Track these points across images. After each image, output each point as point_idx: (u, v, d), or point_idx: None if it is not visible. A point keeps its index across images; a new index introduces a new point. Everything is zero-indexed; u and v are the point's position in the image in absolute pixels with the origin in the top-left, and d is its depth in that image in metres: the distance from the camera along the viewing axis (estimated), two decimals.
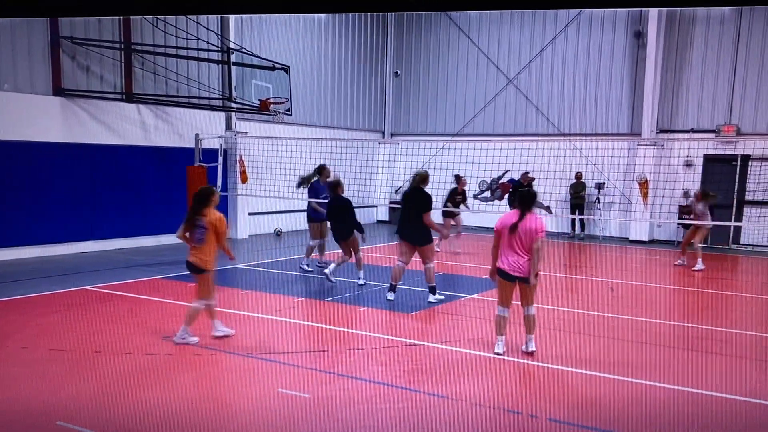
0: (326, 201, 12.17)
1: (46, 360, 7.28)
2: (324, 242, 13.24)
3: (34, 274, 12.25)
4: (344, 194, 11.67)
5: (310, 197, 13.12)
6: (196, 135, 14.81)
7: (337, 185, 11.51)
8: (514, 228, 7.52)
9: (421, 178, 10.46)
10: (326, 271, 11.46)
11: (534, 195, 7.84)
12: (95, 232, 15.12)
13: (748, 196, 18.53)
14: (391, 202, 23.06)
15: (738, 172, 18.65)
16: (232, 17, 17.21)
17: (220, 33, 16.90)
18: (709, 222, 14.55)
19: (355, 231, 11.45)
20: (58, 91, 14.18)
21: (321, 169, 13.18)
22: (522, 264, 7.53)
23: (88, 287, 11.07)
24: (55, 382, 6.63)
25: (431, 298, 10.49)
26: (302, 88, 20.43)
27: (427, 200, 10.31)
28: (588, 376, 7.19)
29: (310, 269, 13.07)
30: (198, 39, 15.88)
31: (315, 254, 13.36)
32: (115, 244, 15.36)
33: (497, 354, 7.72)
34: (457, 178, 16.15)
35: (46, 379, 6.74)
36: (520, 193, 7.83)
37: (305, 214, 13.48)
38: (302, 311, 10.02)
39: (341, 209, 11.42)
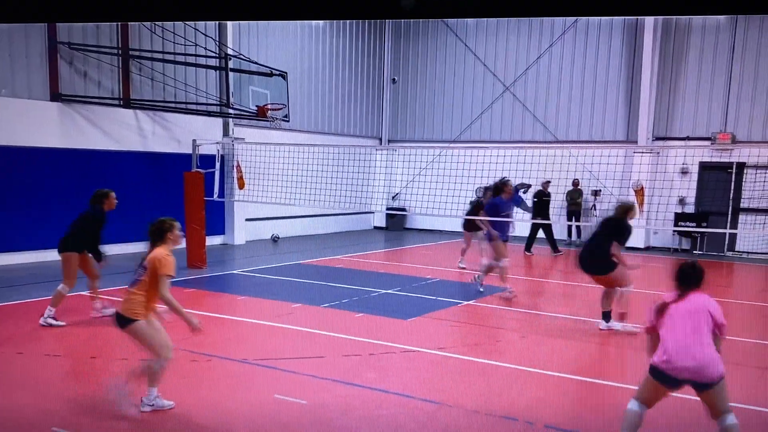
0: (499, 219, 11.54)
1: (41, 366, 7.27)
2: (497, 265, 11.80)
3: (29, 279, 12.23)
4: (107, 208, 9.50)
5: (489, 214, 11.80)
6: (194, 141, 14.82)
7: (104, 196, 9.44)
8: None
9: (624, 210, 9.57)
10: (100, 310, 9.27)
11: (702, 271, 5.32)
12: None
13: (744, 204, 18.59)
14: (388, 209, 23.08)
15: (733, 179, 18.71)
16: (229, 23, 17.24)
17: (217, 39, 16.92)
18: None
19: (92, 252, 9.32)
20: (56, 96, 14.18)
21: (504, 184, 11.98)
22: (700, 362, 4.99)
23: (83, 293, 11.03)
24: (50, 388, 6.62)
25: (618, 326, 9.42)
26: (300, 94, 20.45)
27: (626, 231, 9.48)
28: (585, 382, 7.19)
29: (481, 290, 11.81)
30: (196, 45, 15.89)
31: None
32: (111, 250, 15.23)
33: None
34: (484, 192, 14.63)
35: (41, 384, 6.72)
36: (684, 271, 5.31)
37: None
38: (299, 317, 10.02)
39: (85, 220, 9.35)
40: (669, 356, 5.03)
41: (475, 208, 14.83)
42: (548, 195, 18.37)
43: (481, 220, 12.16)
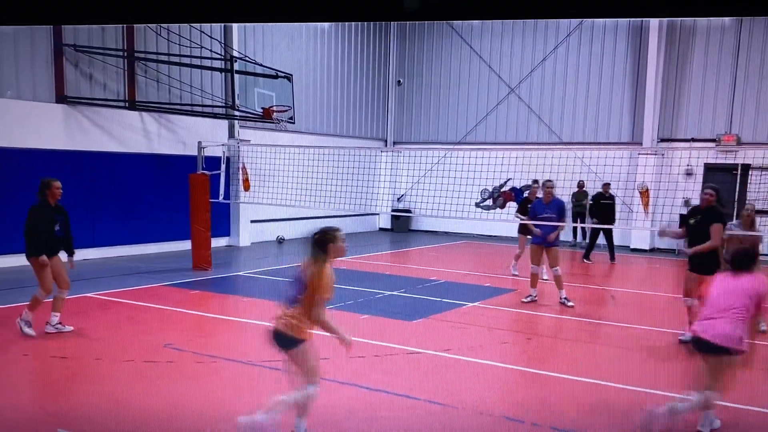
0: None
1: (47, 367, 7.29)
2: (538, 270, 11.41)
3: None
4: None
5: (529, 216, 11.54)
6: (199, 143, 14.84)
7: (46, 187, 8.83)
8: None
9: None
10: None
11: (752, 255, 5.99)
12: (97, 239, 15.13)
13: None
14: (393, 210, 23.08)
15: (738, 181, 18.66)
16: (235, 26, 17.27)
17: (223, 41, 16.96)
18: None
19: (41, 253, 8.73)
20: (61, 98, 14.22)
21: (539, 183, 11.55)
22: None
23: (89, 294, 11.07)
24: (56, 390, 6.63)
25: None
26: (305, 96, 20.47)
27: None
28: (591, 384, 7.18)
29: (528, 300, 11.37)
30: (201, 47, 15.93)
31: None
32: (117, 252, 15.36)
33: None
34: (534, 183, 14.30)
35: (47, 386, 6.74)
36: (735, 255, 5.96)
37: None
38: None
39: (29, 218, 9.00)
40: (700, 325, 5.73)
41: (523, 203, 14.21)
42: (610, 198, 17.18)
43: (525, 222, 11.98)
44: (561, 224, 11.12)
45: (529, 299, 11.21)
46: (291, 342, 5.26)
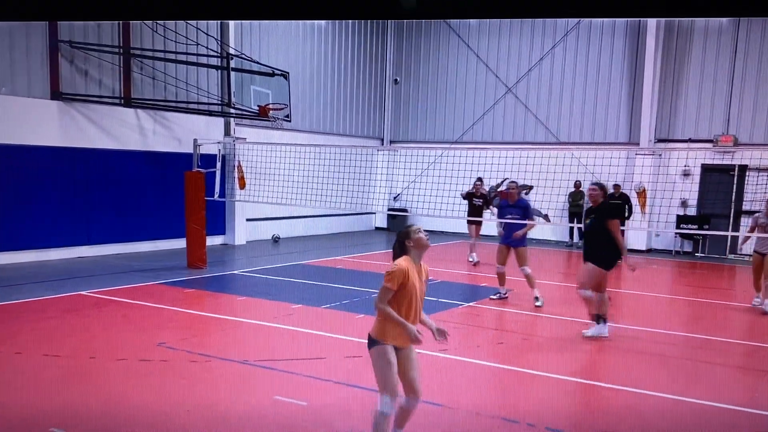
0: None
1: (40, 366, 7.24)
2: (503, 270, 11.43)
3: (29, 279, 12.21)
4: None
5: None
6: (195, 140, 14.79)
7: None
8: None
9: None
10: None
11: None
12: (91, 237, 15.08)
13: (746, 206, 18.55)
14: (389, 209, 23.04)
15: (735, 181, 18.68)
16: (231, 23, 17.23)
17: (219, 39, 16.91)
18: None
19: None
20: (56, 95, 14.15)
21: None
22: None
23: (83, 292, 11.03)
24: (49, 388, 6.59)
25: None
26: (301, 94, 20.43)
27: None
28: (586, 385, 7.16)
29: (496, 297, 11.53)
30: (197, 44, 15.87)
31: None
32: (111, 250, 15.30)
33: None
34: (479, 182, 15.68)
35: (40, 385, 6.69)
36: None
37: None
38: (299, 318, 9.99)
39: None
40: None
41: (468, 197, 15.93)
42: (619, 198, 17.37)
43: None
44: (530, 222, 11.24)
45: (497, 296, 11.31)
46: (369, 340, 5.23)
